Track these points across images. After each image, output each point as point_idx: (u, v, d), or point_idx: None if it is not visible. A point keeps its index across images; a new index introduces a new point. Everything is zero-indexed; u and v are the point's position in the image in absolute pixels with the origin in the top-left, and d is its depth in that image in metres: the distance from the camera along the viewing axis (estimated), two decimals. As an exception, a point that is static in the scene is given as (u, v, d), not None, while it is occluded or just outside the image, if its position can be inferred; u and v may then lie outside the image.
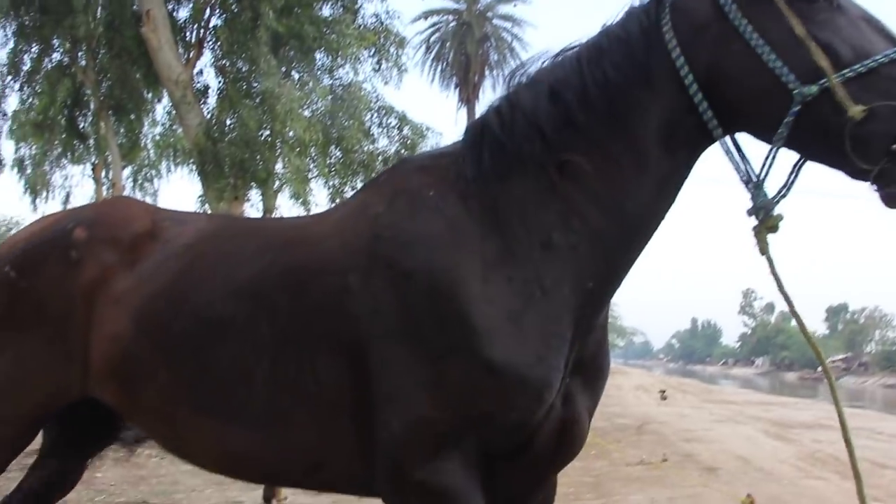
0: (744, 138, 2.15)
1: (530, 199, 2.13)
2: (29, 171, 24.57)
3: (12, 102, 19.36)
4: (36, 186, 24.71)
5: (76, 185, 26.08)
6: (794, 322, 2.26)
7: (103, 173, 23.47)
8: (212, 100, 15.84)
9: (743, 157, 2.12)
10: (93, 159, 23.33)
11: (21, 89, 17.79)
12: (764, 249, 2.07)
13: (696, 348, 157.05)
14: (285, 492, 6.46)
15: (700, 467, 9.54)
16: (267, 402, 2.27)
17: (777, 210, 2.05)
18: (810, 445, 11.84)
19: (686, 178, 2.19)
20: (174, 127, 22.72)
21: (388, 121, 17.43)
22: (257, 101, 14.26)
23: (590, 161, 2.09)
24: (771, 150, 2.02)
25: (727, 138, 2.10)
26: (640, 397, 23.51)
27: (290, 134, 14.76)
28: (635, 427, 13.95)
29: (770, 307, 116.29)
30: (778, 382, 66.02)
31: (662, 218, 2.19)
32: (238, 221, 3.51)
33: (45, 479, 3.21)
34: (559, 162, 2.12)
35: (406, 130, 17.54)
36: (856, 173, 1.91)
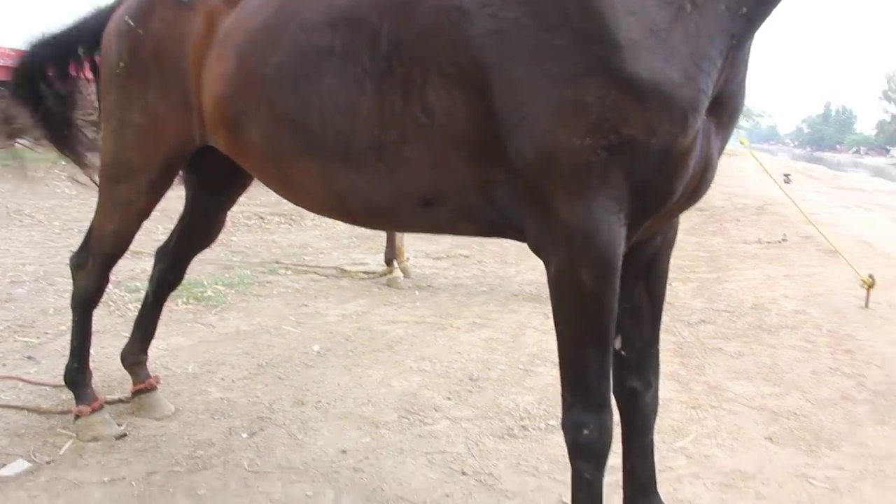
0: None
1: None
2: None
3: None
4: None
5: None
6: None
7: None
8: None
9: None
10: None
11: None
12: None
13: (827, 135, 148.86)
14: (407, 254, 6.79)
15: (820, 249, 9.34)
16: (372, 136, 2.18)
17: None
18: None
19: None
20: None
21: None
22: None
23: None
24: None
25: None
26: (763, 179, 22.75)
27: None
28: (755, 207, 13.68)
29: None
30: (911, 177, 62.37)
31: None
32: None
33: (189, 230, 3.50)
34: None
35: None
36: None
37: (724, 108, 2.06)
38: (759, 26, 1.97)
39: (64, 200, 10.40)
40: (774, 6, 1.95)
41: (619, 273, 1.97)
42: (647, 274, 2.34)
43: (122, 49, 2.87)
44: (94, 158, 3.32)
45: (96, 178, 3.23)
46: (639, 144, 1.84)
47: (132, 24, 2.82)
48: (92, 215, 3.22)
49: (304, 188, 2.51)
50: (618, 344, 2.33)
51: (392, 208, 2.32)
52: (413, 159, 2.14)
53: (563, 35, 1.85)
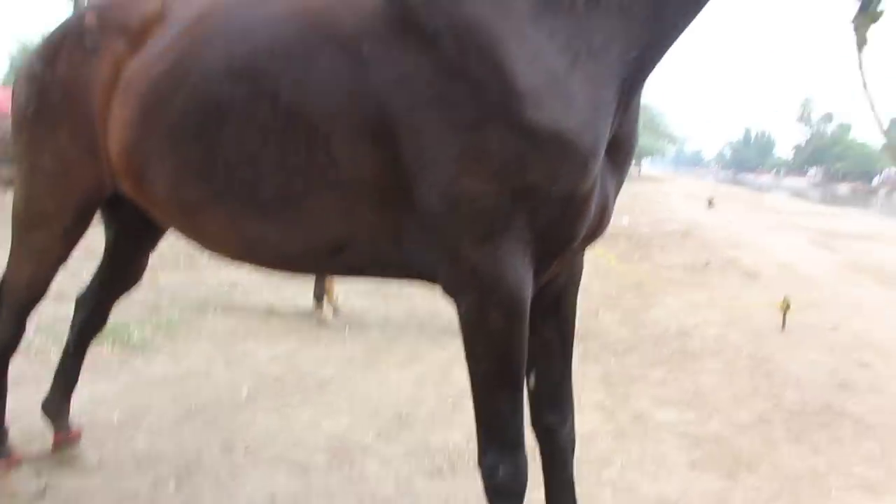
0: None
1: None
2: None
3: None
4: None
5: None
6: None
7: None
8: None
9: None
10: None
11: None
12: (862, 43, 1.99)
13: (749, 158, 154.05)
14: (337, 290, 6.78)
15: (741, 272, 9.70)
16: (278, 186, 2.17)
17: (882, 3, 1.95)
18: (854, 255, 11.89)
19: None
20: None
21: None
22: None
23: None
24: None
25: None
26: (688, 204, 23.48)
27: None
28: (681, 233, 14.08)
29: (828, 117, 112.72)
30: (830, 194, 65.09)
31: None
32: None
33: (110, 274, 3.46)
34: None
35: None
36: None
37: (620, 149, 2.14)
38: (650, 72, 2.07)
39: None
40: (664, 52, 2.06)
41: (528, 314, 2.02)
42: (555, 311, 2.40)
43: (31, 92, 2.82)
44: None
45: None
46: (541, 190, 1.90)
47: (39, 67, 2.79)
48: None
49: (213, 237, 2.50)
50: (532, 381, 2.39)
51: (302, 256, 2.33)
52: (320, 208, 2.15)
53: (465, 83, 1.89)
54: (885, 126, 2.16)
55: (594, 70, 1.92)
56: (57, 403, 3.54)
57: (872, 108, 2.11)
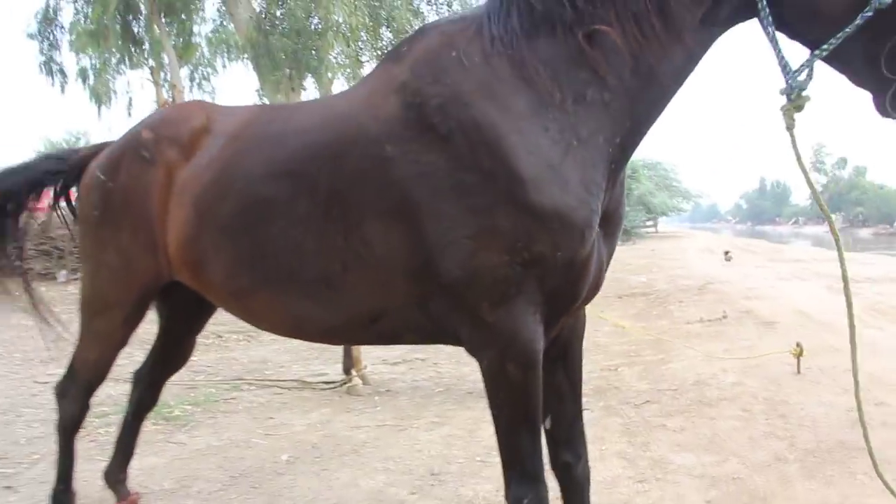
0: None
1: (560, 58, 2.27)
2: (92, 80, 25.03)
3: (68, 14, 19.97)
4: (100, 95, 25.19)
5: (138, 91, 26.67)
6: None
7: (162, 76, 23.88)
8: (260, -9, 15.92)
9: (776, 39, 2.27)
10: (150, 63, 23.74)
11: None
12: (791, 126, 2.33)
13: (765, 208, 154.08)
14: (365, 361, 7.07)
15: (758, 322, 9.85)
16: (319, 268, 2.52)
17: (806, 92, 2.27)
18: (873, 298, 11.94)
19: (714, 42, 2.36)
20: (225, 23, 22.94)
21: (438, -3, 17.23)
22: (304, -12, 14.32)
23: (624, 33, 2.23)
24: (817, 53, 2.20)
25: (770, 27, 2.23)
26: (705, 259, 23.65)
27: (339, 20, 14.88)
28: (697, 287, 14.26)
29: (842, 162, 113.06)
30: (851, 239, 64.71)
31: (686, 80, 2.37)
32: (278, 107, 3.64)
33: (163, 354, 3.80)
34: (588, 31, 2.25)
35: (456, 6, 17.26)
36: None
37: (610, 220, 2.50)
38: (632, 152, 2.43)
39: (22, 331, 10.46)
40: (644, 135, 2.42)
41: (541, 364, 2.34)
42: (563, 359, 2.73)
43: (95, 199, 3.21)
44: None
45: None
46: (547, 259, 2.24)
47: (103, 177, 3.19)
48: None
49: (263, 316, 2.89)
50: (547, 424, 2.69)
51: (344, 327, 2.69)
52: (358, 284, 2.50)
53: (477, 174, 2.24)
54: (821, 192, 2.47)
55: (584, 156, 2.26)
56: (116, 472, 3.85)
57: (807, 179, 2.45)
